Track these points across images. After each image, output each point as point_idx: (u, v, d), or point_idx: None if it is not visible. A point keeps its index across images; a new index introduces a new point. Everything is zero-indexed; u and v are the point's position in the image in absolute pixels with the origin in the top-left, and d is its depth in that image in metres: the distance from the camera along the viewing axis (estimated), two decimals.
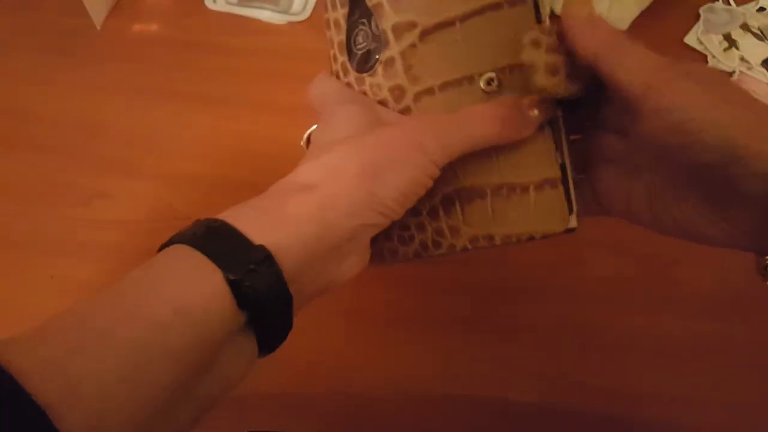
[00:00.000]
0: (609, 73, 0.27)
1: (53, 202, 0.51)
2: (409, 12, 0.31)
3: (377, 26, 0.32)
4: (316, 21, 0.60)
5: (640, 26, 0.57)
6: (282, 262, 0.25)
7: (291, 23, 0.61)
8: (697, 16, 0.59)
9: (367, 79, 0.33)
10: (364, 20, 0.32)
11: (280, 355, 0.42)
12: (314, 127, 0.34)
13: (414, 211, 0.31)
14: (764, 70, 0.55)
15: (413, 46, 0.31)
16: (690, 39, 0.57)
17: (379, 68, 0.32)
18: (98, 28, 0.61)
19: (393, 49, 0.32)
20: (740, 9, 0.59)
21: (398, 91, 0.32)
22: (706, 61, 0.55)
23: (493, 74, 0.30)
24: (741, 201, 0.25)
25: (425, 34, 0.31)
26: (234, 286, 0.24)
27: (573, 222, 0.30)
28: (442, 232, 0.32)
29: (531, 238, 0.31)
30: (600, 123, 0.32)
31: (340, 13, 0.34)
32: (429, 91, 0.31)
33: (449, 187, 0.31)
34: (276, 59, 0.58)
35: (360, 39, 0.33)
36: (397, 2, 0.31)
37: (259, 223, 0.26)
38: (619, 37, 0.27)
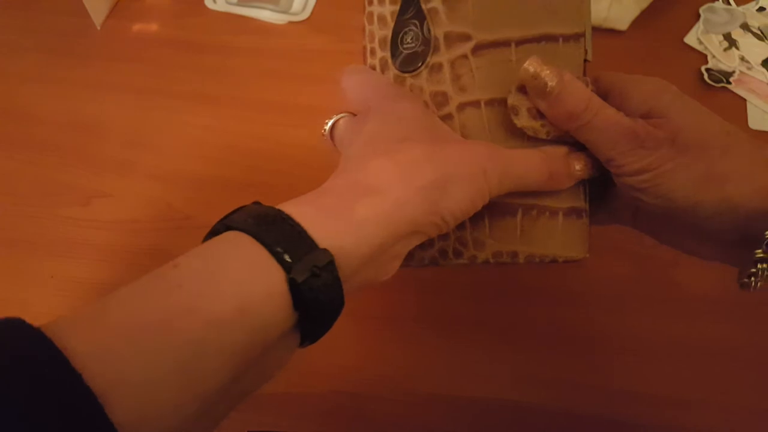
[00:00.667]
0: (579, 140, 0.30)
1: (53, 201, 0.51)
2: (465, 23, 0.32)
3: (429, 30, 0.32)
4: (316, 21, 0.60)
5: (640, 26, 0.57)
6: (341, 266, 0.25)
7: (291, 23, 0.61)
8: (697, 16, 0.59)
9: (409, 80, 0.33)
10: (416, 21, 0.33)
11: None
12: (340, 115, 0.33)
13: None
14: (764, 69, 0.55)
15: (464, 57, 0.32)
16: (690, 39, 0.57)
17: (424, 71, 0.33)
18: (98, 28, 0.61)
19: (442, 56, 0.32)
20: (740, 9, 0.59)
21: (441, 98, 0.32)
22: (706, 61, 0.55)
23: None
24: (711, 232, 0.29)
25: (479, 48, 0.32)
26: (293, 287, 0.23)
27: (587, 251, 0.32)
28: (465, 242, 0.32)
29: (553, 261, 0.32)
30: None
31: (388, 10, 0.34)
32: (474, 104, 0.32)
33: None
34: (276, 59, 0.58)
35: (409, 39, 0.33)
36: (453, 11, 0.32)
37: (325, 223, 0.25)
38: (584, 108, 0.29)
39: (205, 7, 0.62)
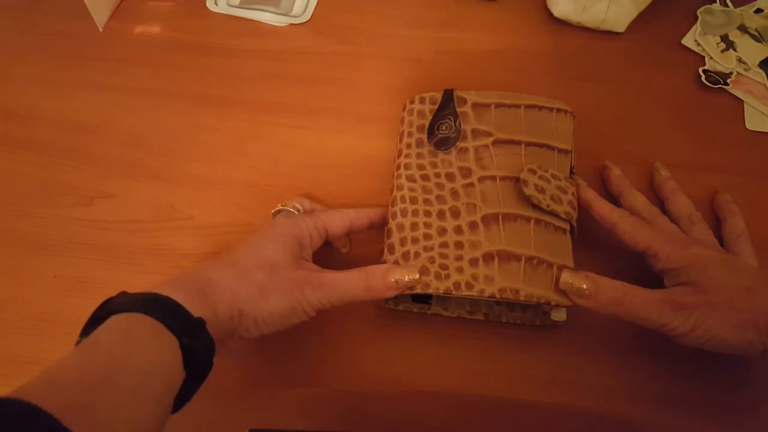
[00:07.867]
0: (630, 320, 0.38)
1: (56, 202, 0.51)
2: (488, 125, 0.45)
3: (460, 125, 0.45)
4: (316, 23, 0.61)
5: (638, 28, 0.58)
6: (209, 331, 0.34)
7: (292, 25, 0.61)
8: (695, 18, 0.59)
9: (440, 155, 0.45)
10: (451, 117, 0.46)
11: (282, 353, 0.43)
12: (283, 208, 0.44)
13: (457, 257, 0.40)
14: (761, 71, 0.55)
15: (486, 146, 0.45)
16: (687, 40, 0.58)
17: (454, 151, 0.45)
18: (100, 29, 0.61)
19: (469, 143, 0.45)
20: (738, 10, 0.59)
21: (466, 171, 0.44)
22: (704, 63, 0.56)
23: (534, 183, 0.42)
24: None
25: (497, 142, 0.45)
26: (184, 347, 0.32)
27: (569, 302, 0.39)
28: (477, 278, 0.39)
29: (547, 303, 0.39)
30: None
31: (428, 108, 0.47)
32: (492, 178, 0.43)
33: (492, 247, 0.40)
34: (277, 61, 0.58)
35: (444, 128, 0.45)
36: (480, 116, 0.46)
37: (195, 303, 0.35)
38: (620, 295, 0.37)
39: (206, 9, 0.62)
